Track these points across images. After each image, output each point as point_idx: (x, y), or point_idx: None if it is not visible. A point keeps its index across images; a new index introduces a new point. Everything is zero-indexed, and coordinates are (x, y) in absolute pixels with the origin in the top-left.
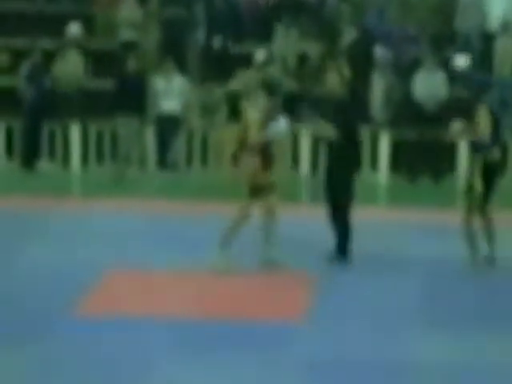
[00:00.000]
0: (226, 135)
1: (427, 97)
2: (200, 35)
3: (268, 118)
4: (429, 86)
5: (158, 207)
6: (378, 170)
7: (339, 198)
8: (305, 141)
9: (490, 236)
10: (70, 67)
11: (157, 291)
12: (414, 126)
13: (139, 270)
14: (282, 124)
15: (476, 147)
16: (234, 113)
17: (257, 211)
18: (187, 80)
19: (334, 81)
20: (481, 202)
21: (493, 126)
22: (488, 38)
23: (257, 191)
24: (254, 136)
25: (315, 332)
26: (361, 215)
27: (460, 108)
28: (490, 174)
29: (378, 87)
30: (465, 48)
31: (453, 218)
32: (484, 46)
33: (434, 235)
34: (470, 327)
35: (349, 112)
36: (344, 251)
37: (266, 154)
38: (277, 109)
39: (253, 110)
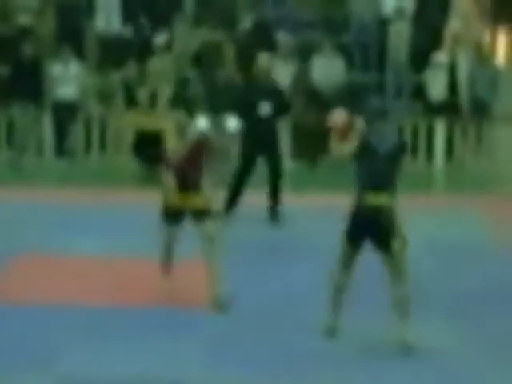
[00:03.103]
0: (124, 122)
1: (325, 82)
2: (98, 21)
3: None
4: (326, 71)
5: (57, 195)
6: None
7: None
8: None
9: None
10: None
11: (62, 278)
12: (313, 111)
13: (44, 257)
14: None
15: None
16: (131, 99)
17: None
18: (84, 66)
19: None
20: None
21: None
22: (383, 23)
23: (172, 216)
24: (171, 148)
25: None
26: (263, 201)
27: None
28: None
29: (283, 72)
30: (360, 33)
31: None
32: (379, 31)
33: (337, 219)
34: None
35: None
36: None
37: (186, 171)
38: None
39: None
